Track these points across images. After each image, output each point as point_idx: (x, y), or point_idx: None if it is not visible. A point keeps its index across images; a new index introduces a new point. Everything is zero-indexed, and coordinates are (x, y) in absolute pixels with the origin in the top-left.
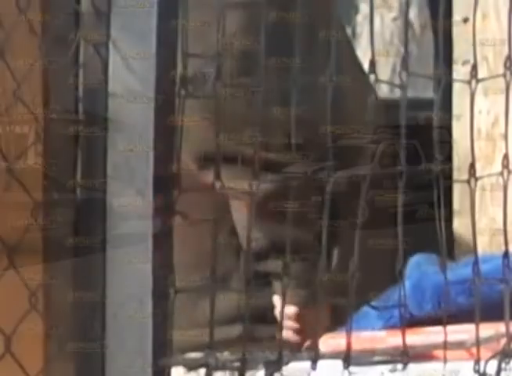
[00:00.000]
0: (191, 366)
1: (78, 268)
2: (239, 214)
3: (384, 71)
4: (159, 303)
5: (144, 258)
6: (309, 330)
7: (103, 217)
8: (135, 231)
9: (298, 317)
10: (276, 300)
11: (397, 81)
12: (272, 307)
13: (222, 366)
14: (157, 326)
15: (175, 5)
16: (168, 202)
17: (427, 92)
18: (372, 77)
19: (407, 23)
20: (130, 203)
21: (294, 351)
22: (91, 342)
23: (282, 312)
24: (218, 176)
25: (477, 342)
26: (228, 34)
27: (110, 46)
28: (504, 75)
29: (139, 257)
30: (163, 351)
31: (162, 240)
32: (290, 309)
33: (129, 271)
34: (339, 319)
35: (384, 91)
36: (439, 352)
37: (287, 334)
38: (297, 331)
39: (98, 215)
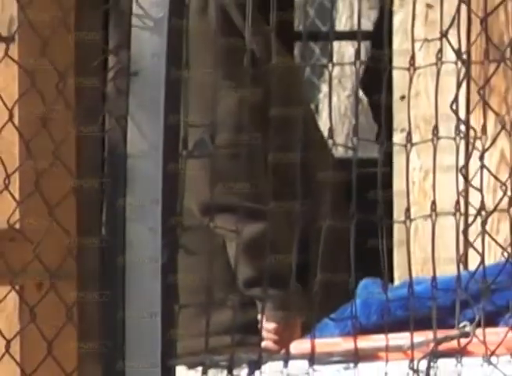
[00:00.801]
0: (191, 365)
1: (104, 286)
2: (231, 251)
3: (340, 137)
4: (165, 316)
5: (155, 281)
6: (284, 340)
7: (123, 250)
8: (148, 259)
9: (276, 331)
10: (260, 318)
11: (350, 144)
12: (256, 322)
13: (215, 365)
14: (165, 334)
15: (178, 89)
16: (174, 239)
17: (374, 152)
18: (330, 141)
19: (357, 100)
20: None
21: (272, 354)
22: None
23: (262, 327)
24: (212, 220)
25: (412, 346)
26: (220, 112)
27: (128, 119)
28: (432, 140)
29: (152, 280)
30: (170, 354)
31: (169, 266)
32: (270, 325)
33: (143, 290)
34: (306, 330)
35: (340, 152)
36: (382, 354)
37: (267, 342)
38: (274, 341)
39: (119, 249)
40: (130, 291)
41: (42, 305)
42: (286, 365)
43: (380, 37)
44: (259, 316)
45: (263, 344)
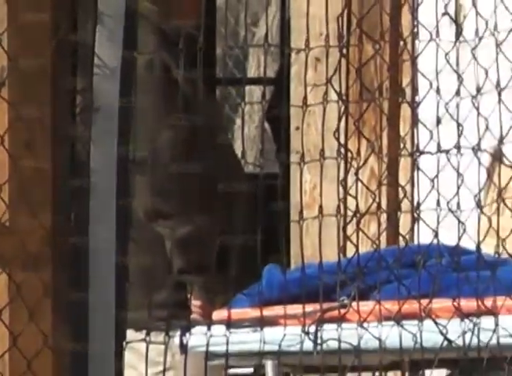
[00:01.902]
0: (138, 328)
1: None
2: (168, 246)
3: (250, 157)
4: (119, 290)
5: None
6: (206, 312)
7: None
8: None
9: (200, 306)
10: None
11: (257, 162)
12: (187, 299)
13: (156, 329)
14: (118, 306)
15: (128, 122)
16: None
17: (275, 169)
18: (243, 161)
19: (263, 130)
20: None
21: (198, 322)
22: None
23: (191, 303)
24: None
25: (304, 315)
26: (161, 141)
27: (91, 144)
28: (319, 160)
29: (108, 266)
30: (122, 320)
31: (121, 257)
32: (197, 302)
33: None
34: (224, 303)
35: (250, 168)
36: (282, 321)
37: (195, 314)
38: (199, 313)
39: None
40: (92, 274)
41: (25, 284)
42: (209, 328)
43: (280, 82)
44: (190, 296)
45: (192, 315)
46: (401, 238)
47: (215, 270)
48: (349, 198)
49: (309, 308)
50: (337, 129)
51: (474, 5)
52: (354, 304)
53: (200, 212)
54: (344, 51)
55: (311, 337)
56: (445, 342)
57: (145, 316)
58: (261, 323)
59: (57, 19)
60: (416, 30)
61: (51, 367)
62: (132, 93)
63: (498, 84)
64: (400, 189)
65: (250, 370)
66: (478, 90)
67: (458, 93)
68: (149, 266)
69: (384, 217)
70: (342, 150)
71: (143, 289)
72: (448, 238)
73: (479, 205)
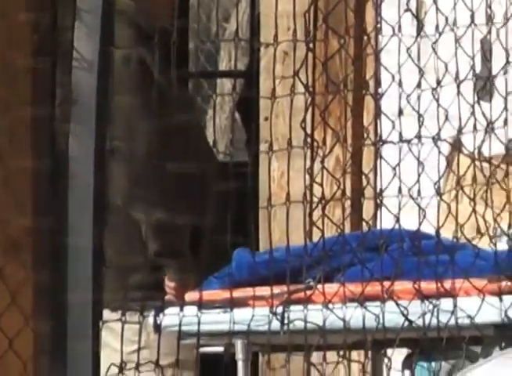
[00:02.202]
0: (114, 309)
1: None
2: (143, 231)
3: (221, 146)
4: (96, 274)
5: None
6: (180, 293)
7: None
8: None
9: (174, 287)
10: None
11: (228, 151)
12: (162, 281)
13: (131, 309)
14: (96, 287)
15: (106, 114)
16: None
17: (245, 157)
18: (215, 150)
19: (233, 120)
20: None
21: (171, 303)
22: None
23: (166, 284)
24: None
25: (272, 296)
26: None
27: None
28: (287, 149)
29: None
30: (99, 301)
31: (98, 240)
32: (171, 283)
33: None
34: (196, 285)
35: (221, 157)
36: (251, 302)
37: (169, 295)
38: (173, 294)
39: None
40: (71, 258)
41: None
42: (181, 309)
43: (250, 75)
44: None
45: (166, 297)
46: (364, 223)
47: (188, 254)
48: (315, 185)
49: (277, 290)
50: (304, 120)
51: (435, 1)
52: (319, 286)
53: (174, 198)
54: (311, 45)
55: (279, 317)
56: (406, 323)
57: (121, 297)
58: (231, 304)
59: (38, 18)
60: (379, 25)
61: (32, 346)
62: (109, 86)
63: (457, 76)
64: (363, 177)
65: (221, 349)
66: (438, 83)
67: (419, 86)
68: (126, 250)
69: (348, 203)
70: (309, 140)
71: (120, 271)
72: (409, 223)
73: (439, 192)
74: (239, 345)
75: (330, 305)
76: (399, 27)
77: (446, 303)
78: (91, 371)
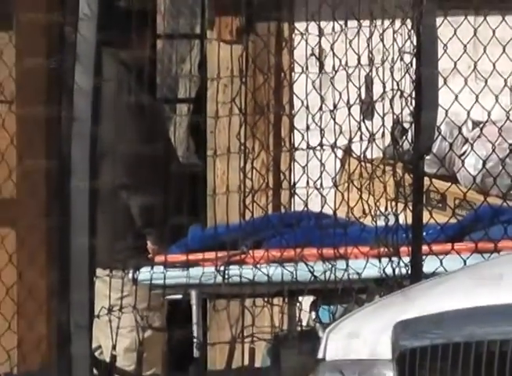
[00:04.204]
0: (104, 267)
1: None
2: (133, 210)
3: (180, 151)
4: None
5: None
6: (156, 254)
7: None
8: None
9: (153, 250)
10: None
11: (184, 156)
12: (146, 244)
13: (117, 267)
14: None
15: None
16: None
17: (197, 160)
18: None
19: (188, 134)
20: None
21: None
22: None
23: (148, 247)
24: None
25: (216, 258)
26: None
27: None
28: (227, 154)
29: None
30: (92, 262)
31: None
32: (152, 246)
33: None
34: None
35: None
36: (202, 263)
37: (151, 255)
38: (153, 255)
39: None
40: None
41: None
42: (152, 268)
43: (200, 101)
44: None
45: (149, 256)
46: (282, 207)
47: (162, 227)
48: (247, 180)
49: (220, 254)
50: (239, 133)
51: (332, 49)
52: (250, 251)
53: (151, 187)
54: (244, 80)
55: (222, 274)
56: (313, 278)
57: (110, 258)
58: (188, 264)
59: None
60: (292, 65)
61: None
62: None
63: (348, 102)
64: (281, 174)
65: (180, 296)
66: (335, 106)
67: (321, 108)
68: (115, 223)
69: (270, 193)
70: (242, 148)
71: (111, 239)
72: (314, 207)
73: (335, 184)
74: (193, 294)
75: (258, 265)
76: (306, 66)
77: (341, 264)
78: (87, 314)
